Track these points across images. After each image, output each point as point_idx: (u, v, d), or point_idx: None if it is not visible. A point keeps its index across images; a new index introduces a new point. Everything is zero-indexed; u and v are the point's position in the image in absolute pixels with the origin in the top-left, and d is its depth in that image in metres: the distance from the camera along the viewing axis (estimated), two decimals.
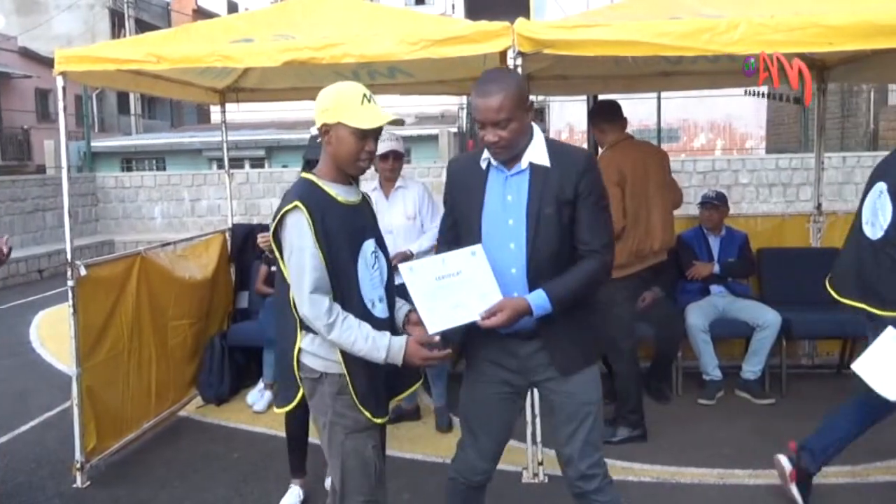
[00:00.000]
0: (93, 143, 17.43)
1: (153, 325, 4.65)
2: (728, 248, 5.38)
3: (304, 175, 2.48)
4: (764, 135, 19.46)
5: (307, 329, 2.41)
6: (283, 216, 2.36)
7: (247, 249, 5.65)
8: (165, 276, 4.84)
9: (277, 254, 2.42)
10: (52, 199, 12.76)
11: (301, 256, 2.33)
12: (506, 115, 2.40)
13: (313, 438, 3.68)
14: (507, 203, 2.52)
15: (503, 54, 3.71)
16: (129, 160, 19.12)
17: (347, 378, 2.40)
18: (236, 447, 4.47)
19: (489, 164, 2.56)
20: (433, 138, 17.88)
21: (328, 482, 2.93)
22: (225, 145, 6.09)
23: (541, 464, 3.86)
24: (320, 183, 2.44)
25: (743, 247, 5.42)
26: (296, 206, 2.33)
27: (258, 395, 5.12)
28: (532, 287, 2.48)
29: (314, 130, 2.75)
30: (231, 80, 5.50)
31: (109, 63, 3.83)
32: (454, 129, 18.73)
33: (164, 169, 17.97)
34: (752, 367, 5.05)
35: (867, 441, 4.24)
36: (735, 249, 5.38)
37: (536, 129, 2.56)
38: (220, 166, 11.24)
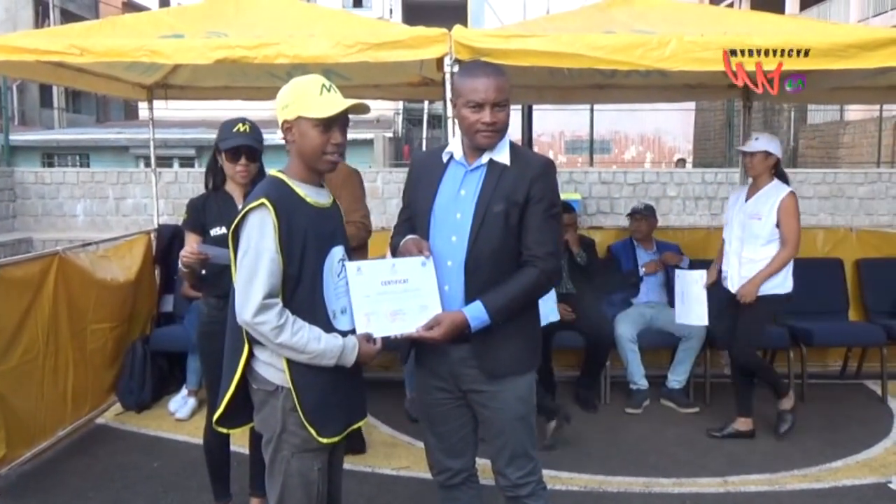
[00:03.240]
0: (12, 137, 16.68)
1: (71, 328, 4.46)
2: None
3: (274, 173, 2.36)
4: (692, 148, 20.04)
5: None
6: (247, 213, 2.23)
7: (172, 251, 5.48)
8: (85, 277, 4.65)
9: (232, 251, 2.27)
10: None
11: (257, 259, 2.19)
12: (505, 96, 2.44)
13: (237, 447, 3.60)
14: (458, 197, 2.53)
15: (440, 61, 3.70)
16: (51, 155, 18.41)
17: (293, 392, 2.26)
18: (157, 456, 4.32)
19: (451, 157, 2.57)
20: (368, 143, 17.78)
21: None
22: (152, 143, 5.91)
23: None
24: (290, 182, 2.31)
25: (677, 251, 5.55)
26: (262, 204, 2.20)
27: (181, 402, 4.96)
28: (466, 281, 2.47)
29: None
30: (160, 77, 5.35)
31: (28, 54, 3.67)
32: (390, 134, 18.66)
33: (88, 165, 17.38)
34: (677, 377, 5.17)
35: (784, 449, 4.40)
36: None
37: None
38: (148, 164, 10.93)
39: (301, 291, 2.25)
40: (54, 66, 4.18)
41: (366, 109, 2.36)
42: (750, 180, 4.62)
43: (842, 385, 5.66)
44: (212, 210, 3.30)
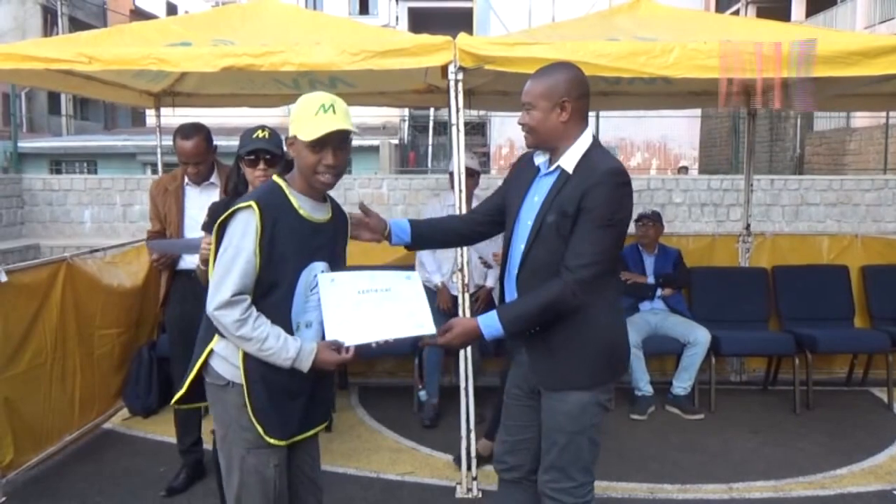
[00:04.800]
0: (20, 144, 16.80)
1: (78, 334, 4.49)
2: (663, 265, 5.50)
3: (276, 178, 2.39)
4: (697, 156, 20.02)
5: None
6: (235, 211, 2.27)
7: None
8: (93, 283, 4.68)
9: (214, 245, 2.31)
10: None
11: (235, 257, 2.24)
12: (529, 99, 2.47)
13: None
14: (532, 204, 2.52)
15: (444, 68, 3.72)
16: (59, 162, 18.52)
17: (245, 388, 2.29)
18: (162, 461, 4.33)
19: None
20: (374, 149, 17.83)
21: None
22: (159, 150, 5.94)
23: (475, 479, 3.86)
24: (287, 190, 2.35)
25: (677, 262, 5.55)
26: (249, 206, 2.25)
27: None
28: (518, 293, 2.48)
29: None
30: (167, 84, 5.38)
31: (38, 62, 3.69)
32: (395, 141, 18.71)
33: (96, 172, 17.45)
34: (682, 383, 5.16)
35: (789, 456, 4.39)
36: (669, 265, 5.51)
37: (584, 136, 2.49)
38: (155, 171, 10.99)
39: (271, 297, 2.28)
40: (63, 73, 4.21)
41: (352, 134, 2.34)
42: None
43: (847, 392, 5.64)
44: None
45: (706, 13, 9.73)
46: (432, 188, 10.76)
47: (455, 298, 4.06)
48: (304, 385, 2.35)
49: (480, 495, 3.84)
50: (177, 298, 3.98)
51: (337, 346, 2.31)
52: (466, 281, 3.83)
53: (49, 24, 28.00)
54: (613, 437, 4.70)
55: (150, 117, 6.86)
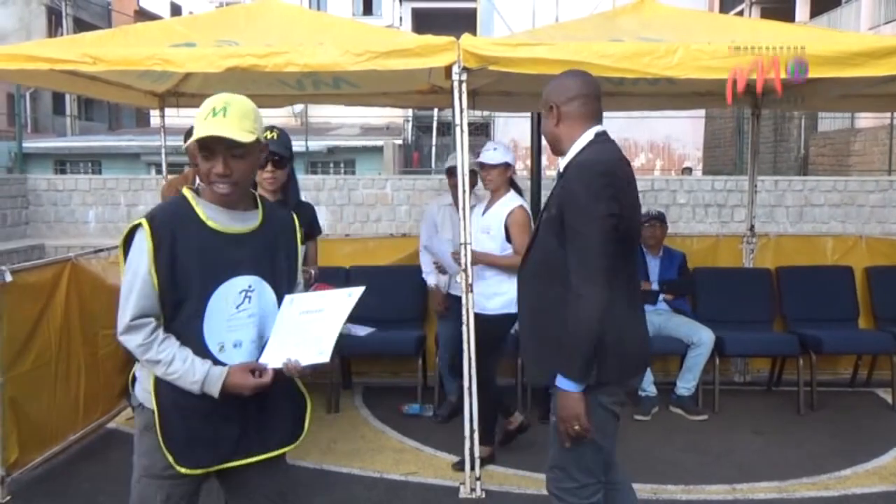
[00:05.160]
0: (25, 144, 16.83)
1: (83, 333, 4.50)
2: (667, 269, 5.50)
3: (185, 189, 2.19)
4: (701, 156, 19.99)
5: None
6: (132, 229, 2.11)
7: None
8: (97, 283, 4.69)
9: (121, 265, 2.17)
10: None
11: (133, 279, 2.09)
12: (541, 106, 2.58)
13: None
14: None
15: (448, 69, 3.73)
16: (63, 162, 18.53)
17: (155, 413, 2.13)
18: None
19: None
20: (378, 150, 17.84)
21: None
22: (164, 150, 5.96)
23: (478, 479, 3.86)
24: (194, 201, 2.15)
25: (682, 266, 5.55)
26: (140, 223, 2.08)
27: None
28: (518, 294, 2.60)
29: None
30: (171, 85, 5.39)
31: (43, 62, 3.71)
32: (399, 142, 18.72)
33: (100, 172, 17.47)
34: (686, 384, 5.16)
35: (793, 457, 4.39)
36: (674, 270, 5.50)
37: (584, 136, 2.49)
38: (159, 171, 11.00)
39: (180, 316, 2.12)
40: (67, 74, 4.22)
41: (223, 143, 2.07)
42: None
43: (851, 393, 5.63)
44: None
45: (710, 14, 9.71)
46: (436, 189, 10.77)
47: (458, 298, 4.05)
48: (231, 409, 2.15)
49: (484, 495, 3.83)
50: None
51: (253, 369, 2.13)
52: (470, 281, 3.83)
53: (54, 25, 28.07)
54: (617, 438, 4.69)
55: (155, 118, 6.89)
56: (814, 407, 5.15)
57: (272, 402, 2.22)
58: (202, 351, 2.11)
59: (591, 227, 2.31)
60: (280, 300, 2.23)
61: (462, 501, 3.82)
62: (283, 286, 2.25)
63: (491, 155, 4.23)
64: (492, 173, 4.21)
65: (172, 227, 2.09)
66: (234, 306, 2.14)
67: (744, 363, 5.96)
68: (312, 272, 3.28)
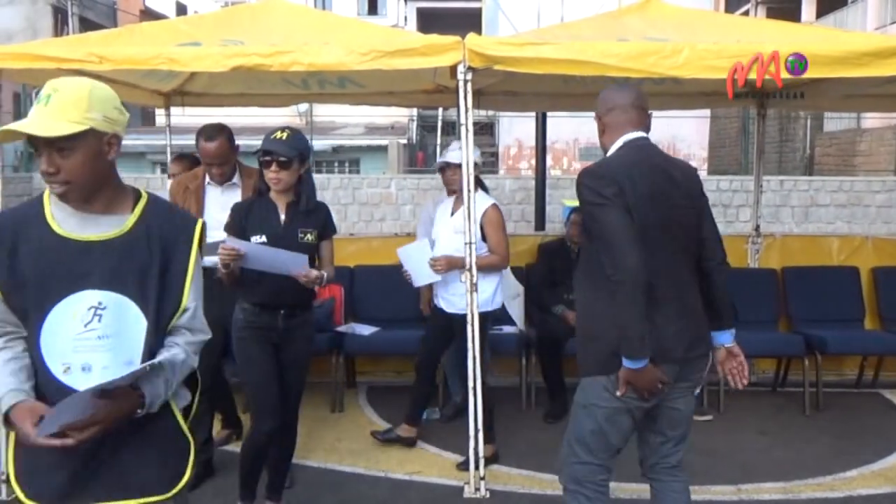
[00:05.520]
0: None
1: None
2: None
3: (48, 188, 1.89)
4: (706, 156, 19.96)
5: None
6: None
7: None
8: None
9: None
10: None
11: None
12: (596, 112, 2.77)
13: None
14: None
15: (453, 68, 3.73)
16: None
17: (8, 438, 1.85)
18: None
19: None
20: (382, 149, 17.85)
21: None
22: (169, 149, 5.96)
23: (483, 478, 3.86)
24: (48, 202, 1.88)
25: None
26: None
27: None
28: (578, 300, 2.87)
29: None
30: (177, 84, 5.40)
31: (49, 62, 3.72)
32: (404, 141, 18.73)
33: None
34: None
35: (798, 458, 4.38)
36: None
37: (616, 144, 2.69)
38: (164, 170, 11.02)
39: (27, 329, 1.84)
40: (74, 73, 4.23)
41: (15, 137, 1.83)
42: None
43: (857, 394, 5.62)
44: (255, 217, 3.31)
45: (716, 13, 9.70)
46: (440, 188, 10.77)
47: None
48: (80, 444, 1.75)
49: (488, 495, 3.83)
50: None
51: (35, 413, 1.73)
52: (475, 280, 3.83)
53: (60, 25, 28.13)
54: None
55: (160, 117, 6.89)
56: (819, 408, 5.14)
57: (132, 446, 1.89)
58: (43, 370, 1.82)
59: (600, 216, 2.51)
60: (158, 321, 1.87)
61: (466, 501, 3.83)
62: (158, 306, 1.87)
63: (456, 154, 4.14)
64: (458, 172, 4.11)
65: (15, 231, 1.83)
66: (83, 324, 1.82)
67: (749, 363, 5.93)
68: (325, 275, 3.28)
